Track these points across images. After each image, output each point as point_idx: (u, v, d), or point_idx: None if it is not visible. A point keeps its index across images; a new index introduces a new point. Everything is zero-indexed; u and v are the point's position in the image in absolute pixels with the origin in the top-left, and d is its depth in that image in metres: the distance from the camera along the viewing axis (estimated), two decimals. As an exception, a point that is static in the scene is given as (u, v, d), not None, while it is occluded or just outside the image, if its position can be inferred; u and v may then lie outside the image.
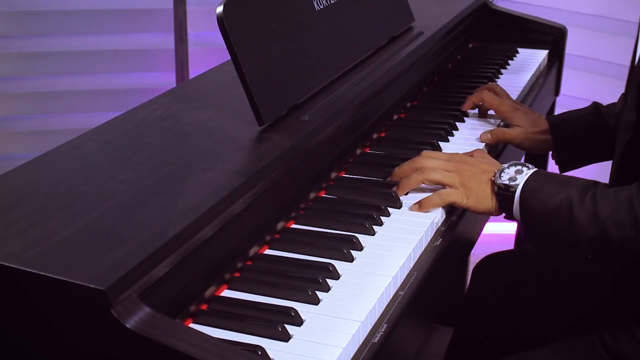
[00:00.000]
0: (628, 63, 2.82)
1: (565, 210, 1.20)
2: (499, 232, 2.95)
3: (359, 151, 1.49)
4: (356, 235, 1.19)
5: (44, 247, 0.93)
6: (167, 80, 2.84)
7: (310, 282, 1.07)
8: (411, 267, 1.17)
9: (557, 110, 2.22)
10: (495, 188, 1.28)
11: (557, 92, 2.20)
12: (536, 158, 2.04)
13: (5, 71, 2.76)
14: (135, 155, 1.17)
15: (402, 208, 1.30)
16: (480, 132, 1.61)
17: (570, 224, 1.20)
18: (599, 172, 1.93)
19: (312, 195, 1.31)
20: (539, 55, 2.09)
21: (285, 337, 0.97)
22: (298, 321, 1.00)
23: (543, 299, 1.53)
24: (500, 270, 1.66)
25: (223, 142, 1.23)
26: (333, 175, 1.39)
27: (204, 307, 1.04)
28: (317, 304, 1.04)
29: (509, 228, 2.85)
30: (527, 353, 1.35)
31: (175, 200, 1.04)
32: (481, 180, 1.31)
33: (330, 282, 1.09)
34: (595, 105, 1.61)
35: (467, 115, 1.70)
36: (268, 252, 1.17)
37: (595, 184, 1.23)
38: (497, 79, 1.93)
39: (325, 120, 1.32)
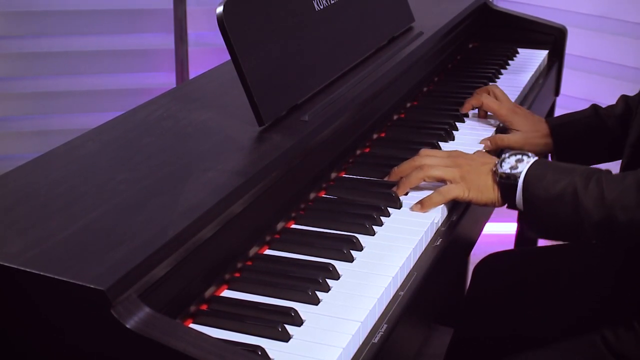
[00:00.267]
0: (628, 63, 2.83)
1: (570, 196, 1.21)
2: (499, 232, 2.95)
3: (359, 151, 1.49)
4: (356, 235, 1.19)
5: (44, 247, 0.93)
6: (167, 80, 2.84)
7: (310, 283, 1.07)
8: (411, 267, 1.17)
9: (557, 111, 2.21)
10: (497, 178, 1.29)
11: (557, 93, 2.20)
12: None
13: (5, 71, 2.76)
14: (135, 156, 1.17)
15: (402, 208, 1.30)
16: (480, 132, 1.61)
17: (575, 209, 1.20)
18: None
19: (312, 195, 1.32)
20: (539, 56, 2.09)
21: (285, 338, 0.97)
22: (298, 321, 1.00)
23: (543, 299, 1.53)
24: (500, 271, 1.66)
25: (223, 142, 1.23)
26: (333, 175, 1.39)
27: (204, 307, 1.04)
28: (317, 304, 1.04)
29: (509, 228, 2.85)
30: (528, 354, 1.35)
31: (175, 200, 1.04)
32: (481, 172, 1.31)
33: (330, 282, 1.09)
34: (595, 108, 1.62)
35: (467, 115, 1.69)
36: (268, 252, 1.17)
37: (597, 170, 1.24)
38: (497, 79, 1.93)
39: (325, 120, 1.32)
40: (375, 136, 1.56)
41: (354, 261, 1.14)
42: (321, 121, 1.31)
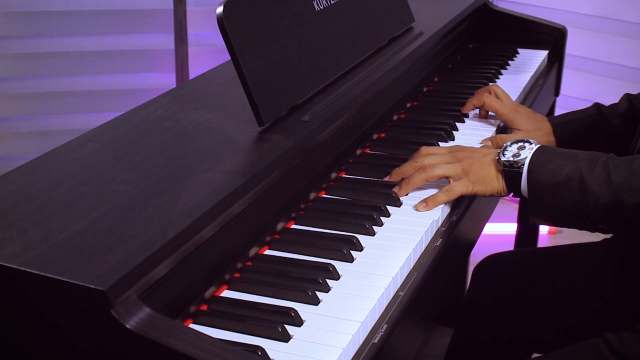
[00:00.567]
0: (628, 63, 2.83)
1: (576, 181, 1.21)
2: (499, 232, 2.96)
3: (359, 152, 1.49)
4: (356, 235, 1.19)
5: (44, 247, 0.93)
6: (167, 80, 2.84)
7: (310, 283, 1.07)
8: (411, 267, 1.17)
9: (557, 111, 2.21)
10: (500, 167, 1.29)
11: (557, 93, 2.20)
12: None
13: (6, 72, 2.76)
14: (135, 156, 1.17)
15: (402, 208, 1.30)
16: (481, 132, 1.61)
17: (581, 193, 1.20)
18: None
19: (312, 195, 1.32)
20: (539, 56, 2.09)
21: (285, 338, 0.97)
22: (298, 322, 1.00)
23: (543, 300, 1.53)
24: (500, 272, 1.66)
25: (223, 142, 1.23)
26: (333, 175, 1.39)
27: (204, 307, 1.04)
28: (317, 305, 1.04)
29: (509, 228, 2.85)
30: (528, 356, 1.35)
31: (175, 200, 1.04)
32: (483, 163, 1.31)
33: (330, 282, 1.09)
34: (597, 106, 1.61)
35: (467, 115, 1.69)
36: (268, 252, 1.17)
37: (602, 154, 1.24)
38: (497, 80, 1.93)
39: (325, 120, 1.32)
40: (375, 136, 1.56)
41: (354, 261, 1.14)
42: (321, 121, 1.31)
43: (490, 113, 1.69)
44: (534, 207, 1.27)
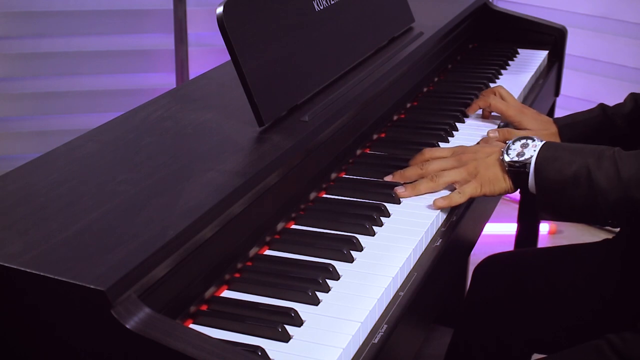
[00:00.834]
0: (628, 64, 2.83)
1: (584, 177, 1.22)
2: (499, 232, 2.96)
3: (359, 152, 1.49)
4: (356, 235, 1.19)
5: (44, 248, 0.93)
6: (167, 80, 2.84)
7: (310, 283, 1.07)
8: (411, 267, 1.17)
9: (557, 111, 2.22)
10: (506, 166, 1.30)
11: (557, 93, 2.20)
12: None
13: (6, 72, 2.76)
14: (135, 156, 1.18)
15: (402, 209, 1.30)
16: (482, 132, 1.61)
17: (590, 189, 1.21)
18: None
19: (312, 195, 1.32)
20: (539, 56, 2.09)
21: (285, 338, 0.97)
22: (298, 322, 1.00)
23: (544, 300, 1.53)
24: (500, 272, 1.66)
25: (223, 142, 1.23)
26: (333, 175, 1.39)
27: (204, 307, 1.04)
28: (317, 305, 1.04)
29: (509, 229, 2.85)
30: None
31: (175, 200, 1.04)
32: (488, 164, 1.32)
33: (330, 282, 1.09)
34: (602, 107, 1.61)
35: (467, 115, 1.70)
36: (268, 252, 1.17)
37: (609, 148, 1.25)
38: (497, 80, 1.93)
39: (325, 120, 1.32)
40: (375, 136, 1.56)
41: (354, 262, 1.14)
42: (321, 121, 1.31)
43: (493, 114, 1.69)
44: (543, 204, 1.27)
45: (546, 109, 2.12)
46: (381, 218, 1.25)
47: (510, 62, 2.05)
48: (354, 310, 1.03)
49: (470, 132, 1.62)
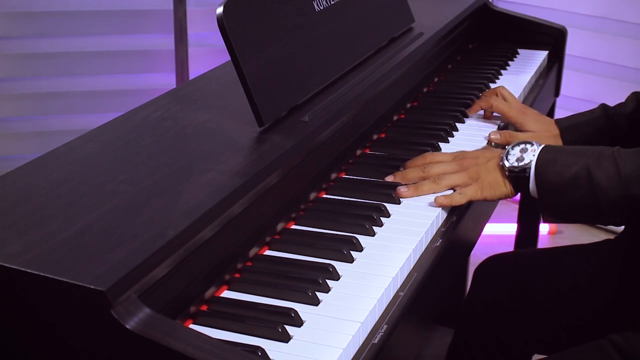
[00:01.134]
0: (628, 64, 2.83)
1: (584, 178, 1.22)
2: (499, 232, 2.96)
3: (359, 152, 1.49)
4: (356, 236, 1.19)
5: (44, 248, 0.93)
6: (167, 81, 2.84)
7: (310, 283, 1.07)
8: (411, 268, 1.17)
9: (557, 111, 2.22)
10: (506, 172, 1.30)
11: (557, 93, 2.20)
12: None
13: (6, 72, 2.76)
14: (135, 156, 1.18)
15: (402, 209, 1.30)
16: (482, 132, 1.61)
17: (590, 188, 1.21)
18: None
19: (312, 196, 1.32)
20: (539, 56, 2.09)
21: (285, 338, 0.97)
22: (298, 322, 1.00)
23: (545, 301, 1.53)
24: (501, 273, 1.66)
25: (223, 143, 1.23)
26: (333, 176, 1.39)
27: (204, 308, 1.04)
28: (317, 305, 1.04)
29: (509, 229, 2.85)
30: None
31: (175, 201, 1.04)
32: (489, 168, 1.33)
33: (330, 283, 1.09)
34: (604, 108, 1.61)
35: (467, 116, 1.70)
36: (268, 252, 1.17)
37: (608, 148, 1.25)
38: (497, 80, 1.93)
39: (325, 121, 1.32)
40: (375, 137, 1.56)
41: (354, 262, 1.14)
42: (321, 122, 1.31)
43: (495, 114, 1.69)
44: (545, 207, 1.28)
45: (546, 109, 2.12)
46: (381, 218, 1.25)
47: (510, 63, 2.05)
48: (354, 310, 1.03)
49: (470, 132, 1.62)
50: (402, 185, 1.34)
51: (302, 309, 1.02)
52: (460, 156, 1.37)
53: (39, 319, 0.90)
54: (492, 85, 1.85)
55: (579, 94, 2.92)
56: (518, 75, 1.95)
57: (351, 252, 1.15)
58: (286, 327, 0.98)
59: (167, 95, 1.43)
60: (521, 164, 1.29)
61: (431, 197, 1.32)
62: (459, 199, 1.31)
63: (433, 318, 1.30)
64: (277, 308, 1.03)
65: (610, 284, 1.46)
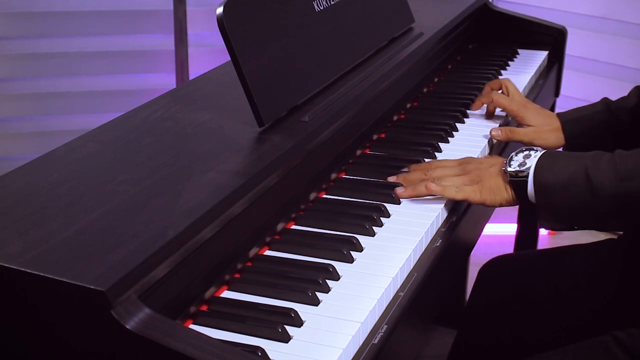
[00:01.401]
0: (628, 64, 2.83)
1: (581, 176, 1.21)
2: (499, 233, 2.96)
3: (359, 152, 1.49)
4: (356, 236, 1.19)
5: (44, 248, 0.93)
6: (167, 81, 2.84)
7: (310, 283, 1.07)
8: (411, 268, 1.17)
9: (557, 111, 2.21)
10: (508, 177, 1.30)
11: (557, 93, 2.20)
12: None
13: (5, 72, 2.76)
14: (135, 156, 1.18)
15: (402, 209, 1.30)
16: (481, 132, 1.61)
17: (587, 186, 1.20)
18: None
19: (312, 196, 1.32)
20: (539, 56, 2.09)
21: (285, 338, 0.97)
22: (298, 322, 1.00)
23: (547, 301, 1.53)
24: (506, 274, 1.66)
25: (223, 143, 1.23)
26: (333, 176, 1.39)
27: (204, 308, 1.04)
28: (317, 305, 1.04)
29: (509, 229, 2.85)
30: (536, 357, 1.34)
31: (175, 201, 1.04)
32: (491, 173, 1.32)
33: (330, 283, 1.09)
34: (606, 102, 1.61)
35: (467, 116, 1.70)
36: (268, 253, 1.17)
37: (608, 152, 1.24)
38: (497, 80, 1.93)
39: (325, 121, 1.32)
40: (375, 137, 1.56)
41: (354, 262, 1.14)
42: (321, 122, 1.31)
43: (498, 110, 1.69)
44: (541, 209, 1.27)
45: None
46: (381, 218, 1.25)
47: (510, 63, 2.05)
48: (354, 310, 1.03)
49: (470, 132, 1.62)
50: (405, 187, 1.34)
51: (302, 309, 1.02)
52: (464, 161, 1.37)
53: (39, 319, 0.90)
54: (492, 86, 1.84)
55: (579, 94, 2.92)
56: (518, 76, 1.95)
57: (351, 252, 1.15)
58: (286, 327, 0.98)
59: (167, 96, 1.43)
60: (523, 168, 1.28)
61: (431, 198, 1.32)
62: (453, 192, 1.30)
63: (433, 318, 1.30)
64: (277, 308, 1.03)
65: (611, 284, 1.46)
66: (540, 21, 2.18)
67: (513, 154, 1.31)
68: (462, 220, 1.32)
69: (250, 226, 1.14)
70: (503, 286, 1.62)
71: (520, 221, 2.31)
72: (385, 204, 1.29)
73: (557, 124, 1.61)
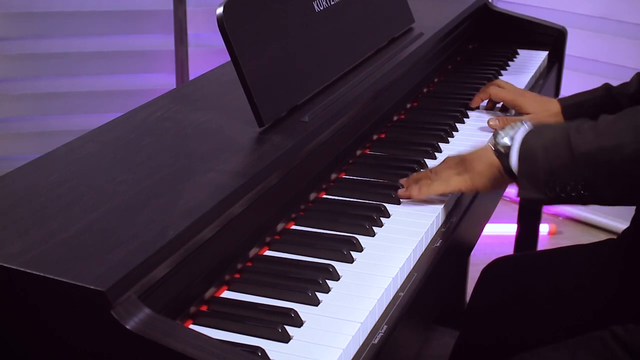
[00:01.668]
0: (628, 64, 2.83)
1: (562, 138, 1.18)
2: (499, 233, 2.95)
3: (358, 152, 1.49)
4: (356, 236, 1.19)
5: (44, 248, 0.93)
6: (167, 81, 2.84)
7: (310, 283, 1.07)
8: (411, 268, 1.17)
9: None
10: (494, 149, 1.26)
11: (557, 94, 2.20)
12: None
13: (5, 72, 2.76)
14: (135, 157, 1.18)
15: (402, 209, 1.30)
16: (481, 132, 1.61)
17: (566, 145, 1.17)
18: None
19: (312, 196, 1.32)
20: (539, 57, 2.09)
21: (285, 339, 0.97)
22: (298, 322, 1.00)
23: (549, 302, 1.53)
24: (508, 275, 1.66)
25: (223, 143, 1.23)
26: (333, 176, 1.39)
27: (204, 308, 1.04)
28: (317, 305, 1.04)
29: (509, 229, 2.85)
30: (535, 352, 1.34)
31: (175, 201, 1.04)
32: (479, 156, 1.29)
33: (330, 283, 1.09)
34: (607, 87, 1.61)
35: (467, 116, 1.70)
36: (268, 253, 1.17)
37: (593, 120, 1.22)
38: (497, 80, 1.93)
39: (325, 121, 1.32)
40: (375, 137, 1.56)
41: (354, 262, 1.14)
42: (321, 122, 1.31)
43: (498, 106, 1.71)
44: (522, 177, 1.23)
45: (546, 110, 2.12)
46: (381, 218, 1.25)
47: (510, 63, 2.05)
48: (354, 310, 1.03)
49: (470, 132, 1.62)
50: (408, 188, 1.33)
51: (302, 309, 1.02)
52: (455, 158, 1.35)
53: (39, 319, 0.90)
54: (493, 86, 1.84)
55: (579, 94, 2.91)
56: (518, 76, 1.95)
57: (351, 252, 1.15)
58: (286, 327, 0.98)
59: (167, 96, 1.43)
60: (509, 138, 1.25)
61: (431, 198, 1.31)
62: (439, 187, 1.28)
63: (433, 318, 1.30)
64: (277, 308, 1.02)
65: (611, 284, 1.46)
66: (540, 21, 2.18)
67: (500, 130, 1.30)
68: (462, 221, 1.32)
69: (250, 226, 1.14)
70: (504, 287, 1.62)
71: (520, 221, 2.31)
72: (385, 204, 1.29)
73: (556, 108, 1.62)
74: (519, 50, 2.13)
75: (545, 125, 1.27)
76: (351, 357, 0.97)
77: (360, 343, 1.00)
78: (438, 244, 1.24)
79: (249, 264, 1.14)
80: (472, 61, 2.06)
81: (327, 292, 1.07)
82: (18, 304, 0.91)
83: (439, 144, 1.53)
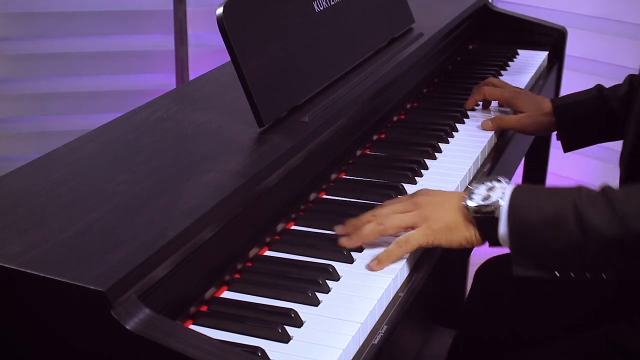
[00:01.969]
0: (628, 64, 2.83)
1: (571, 214, 1.05)
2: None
3: (359, 152, 1.49)
4: (356, 236, 1.19)
5: (44, 248, 0.93)
6: (167, 81, 2.84)
7: (310, 284, 1.07)
8: (411, 268, 1.16)
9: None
10: (471, 214, 1.12)
11: (557, 94, 2.20)
12: (540, 138, 2.07)
13: (5, 73, 2.76)
14: (135, 157, 1.18)
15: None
16: (481, 133, 1.61)
17: (579, 226, 1.04)
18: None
19: (312, 196, 1.31)
20: (539, 57, 2.09)
21: (285, 339, 0.97)
22: (298, 322, 1.00)
23: (545, 300, 1.53)
24: (501, 273, 1.66)
25: (223, 143, 1.23)
26: (333, 176, 1.39)
27: (204, 308, 1.04)
28: (317, 306, 1.04)
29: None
30: (529, 351, 1.34)
31: (175, 201, 1.04)
32: (447, 209, 1.13)
33: (330, 283, 1.09)
34: (599, 89, 1.62)
35: (467, 116, 1.70)
36: (268, 253, 1.17)
37: (590, 189, 1.10)
38: (497, 81, 1.93)
39: (325, 121, 1.32)
40: (375, 137, 1.56)
41: (354, 262, 1.14)
42: (321, 122, 1.31)
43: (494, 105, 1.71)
44: (518, 253, 1.09)
45: (546, 110, 2.12)
46: (381, 219, 1.25)
47: (510, 63, 2.05)
48: (354, 310, 1.03)
49: (470, 132, 1.62)
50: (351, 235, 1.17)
51: (302, 309, 1.02)
52: (417, 193, 1.19)
53: (39, 319, 0.90)
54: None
55: (579, 94, 2.91)
56: (518, 76, 1.95)
57: (351, 252, 1.15)
58: (286, 327, 0.98)
59: (167, 96, 1.43)
60: (487, 202, 1.10)
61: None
62: (397, 252, 1.11)
63: (433, 318, 1.30)
64: (277, 308, 1.02)
65: (610, 284, 1.45)
66: (540, 21, 2.18)
67: (473, 186, 1.15)
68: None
69: (250, 226, 1.14)
70: (500, 286, 1.62)
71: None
72: (385, 204, 1.28)
73: (548, 108, 1.63)
74: (519, 51, 2.13)
75: (534, 190, 1.11)
76: (351, 357, 0.98)
77: (360, 343, 1.00)
78: (438, 244, 1.24)
79: (249, 264, 1.14)
80: (472, 61, 2.06)
81: (327, 292, 1.07)
82: (18, 304, 0.91)
83: (439, 144, 1.53)
